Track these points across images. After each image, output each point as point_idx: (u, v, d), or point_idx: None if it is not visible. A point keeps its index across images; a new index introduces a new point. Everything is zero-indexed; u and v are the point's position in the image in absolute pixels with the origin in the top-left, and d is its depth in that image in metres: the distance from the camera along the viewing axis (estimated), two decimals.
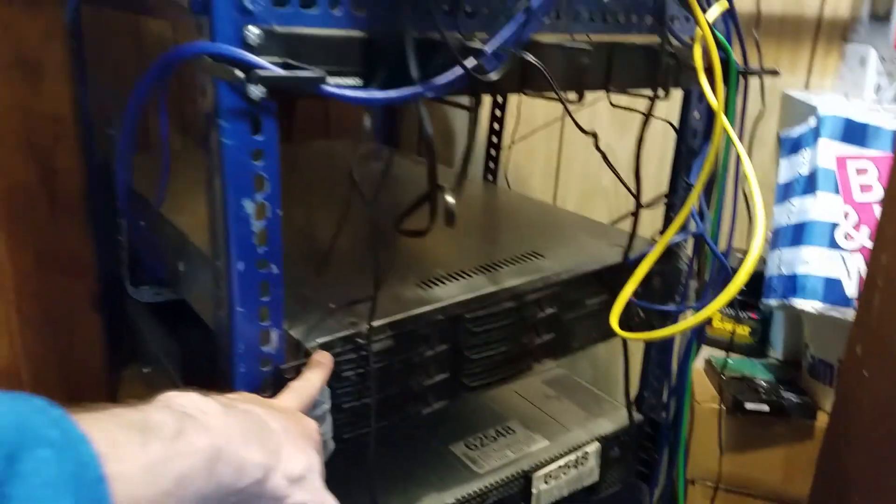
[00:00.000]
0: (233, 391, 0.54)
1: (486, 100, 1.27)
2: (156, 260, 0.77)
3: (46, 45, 0.80)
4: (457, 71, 0.50)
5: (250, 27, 0.46)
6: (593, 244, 0.82)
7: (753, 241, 0.55)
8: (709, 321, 1.26)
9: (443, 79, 0.50)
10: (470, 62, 0.51)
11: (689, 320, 0.56)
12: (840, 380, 0.78)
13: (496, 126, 1.18)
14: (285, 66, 0.47)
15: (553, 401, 0.93)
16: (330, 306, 0.62)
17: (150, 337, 1.00)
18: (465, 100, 0.56)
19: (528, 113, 1.25)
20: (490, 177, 1.23)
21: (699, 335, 0.83)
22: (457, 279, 0.70)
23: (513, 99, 1.19)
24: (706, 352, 1.25)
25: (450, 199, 0.52)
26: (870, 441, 0.73)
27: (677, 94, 0.77)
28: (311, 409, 0.55)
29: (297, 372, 0.56)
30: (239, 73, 0.43)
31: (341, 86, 0.49)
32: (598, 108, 0.96)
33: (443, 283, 0.69)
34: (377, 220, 0.55)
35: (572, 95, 0.63)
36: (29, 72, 0.80)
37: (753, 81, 0.74)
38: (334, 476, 0.52)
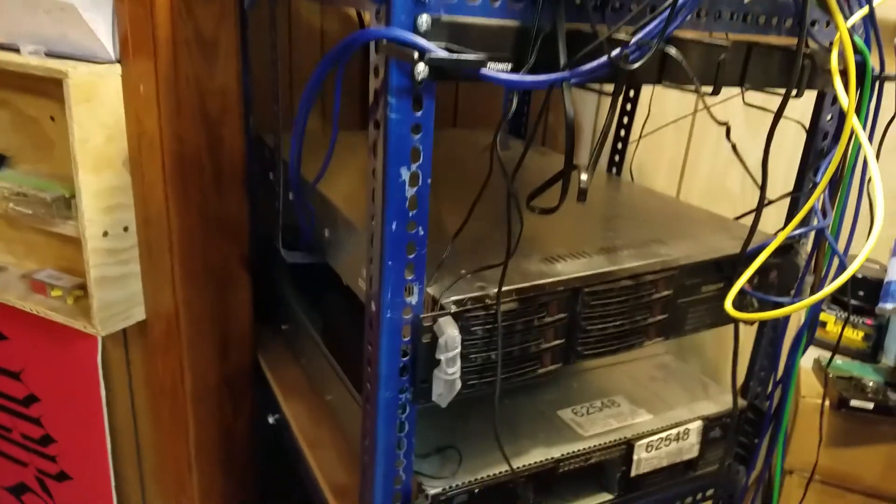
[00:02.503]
0: (378, 333, 0.62)
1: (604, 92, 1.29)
2: (304, 226, 0.86)
3: (221, 25, 0.90)
4: (602, 60, 0.55)
5: (423, 16, 0.53)
6: (714, 236, 0.85)
7: (869, 236, 0.57)
8: (822, 323, 1.25)
9: (588, 66, 0.55)
10: (615, 53, 0.55)
11: (798, 304, 0.59)
12: None
13: (625, 120, 1.21)
14: (449, 51, 0.54)
15: (659, 382, 0.97)
16: (462, 271, 0.68)
17: (291, 297, 1.11)
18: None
19: (657, 110, 1.26)
20: (614, 170, 1.26)
21: (810, 329, 0.84)
22: (579, 258, 0.75)
23: (643, 94, 1.21)
24: (817, 353, 1.24)
25: (584, 176, 0.57)
26: None
27: (809, 97, 0.79)
28: (443, 351, 0.62)
29: (433, 321, 0.63)
30: (416, 55, 0.49)
31: (494, 70, 0.55)
32: (731, 110, 0.97)
33: (565, 260, 0.74)
34: (515, 193, 0.61)
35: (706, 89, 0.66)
36: (205, 48, 0.89)
37: (889, 88, 0.74)
38: (459, 415, 0.59)
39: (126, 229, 0.97)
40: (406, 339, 0.63)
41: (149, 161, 0.92)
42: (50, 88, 0.90)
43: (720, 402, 0.93)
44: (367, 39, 0.53)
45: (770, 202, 0.83)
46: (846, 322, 1.23)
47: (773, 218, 0.89)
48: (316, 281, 1.05)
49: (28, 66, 0.86)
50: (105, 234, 0.94)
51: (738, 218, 0.95)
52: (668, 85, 0.66)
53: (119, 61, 0.89)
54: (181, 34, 0.86)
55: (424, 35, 0.53)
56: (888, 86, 0.73)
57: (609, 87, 0.65)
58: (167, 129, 0.89)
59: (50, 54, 0.90)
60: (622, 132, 1.21)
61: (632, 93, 1.19)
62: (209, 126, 0.94)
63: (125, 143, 0.92)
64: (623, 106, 1.20)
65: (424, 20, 0.53)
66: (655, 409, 0.89)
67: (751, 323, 0.73)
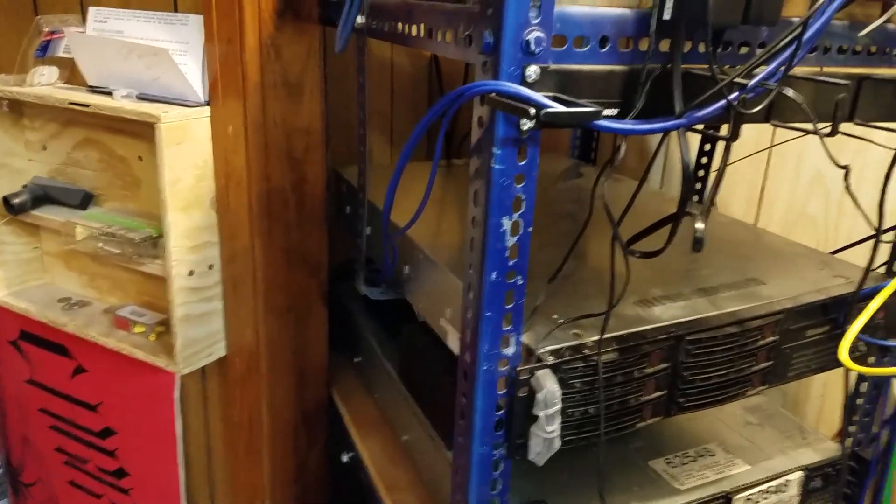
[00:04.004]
0: (473, 385, 0.60)
1: None
2: (386, 264, 0.86)
3: (306, 67, 0.91)
4: (720, 104, 0.52)
5: (531, 66, 0.51)
6: (814, 273, 0.81)
7: None
8: None
9: (706, 111, 0.53)
10: (734, 96, 0.53)
11: None
12: None
13: (707, 147, 1.17)
14: (556, 99, 0.52)
15: (753, 427, 0.92)
16: (557, 318, 0.66)
17: (365, 329, 1.10)
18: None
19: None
20: (697, 199, 1.22)
21: None
22: (675, 300, 0.72)
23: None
24: None
25: (699, 225, 0.54)
26: None
27: None
28: (542, 408, 0.60)
29: (530, 374, 0.61)
30: (529, 110, 0.48)
31: (610, 118, 0.53)
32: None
33: (661, 303, 0.71)
34: (621, 241, 0.58)
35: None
36: (292, 89, 0.90)
37: None
38: (548, 465, 0.56)
39: (211, 267, 0.98)
40: (501, 393, 0.61)
41: (236, 200, 0.93)
42: (139, 129, 0.92)
43: (819, 449, 0.88)
44: (478, 93, 0.52)
45: (880, 238, 0.79)
46: None
47: (860, 251, 0.84)
48: (390, 313, 1.04)
49: (122, 110, 0.88)
50: (191, 272, 0.95)
51: (835, 252, 0.90)
52: (776, 124, 0.63)
53: (208, 103, 0.90)
54: (269, 76, 0.87)
55: (532, 85, 0.51)
56: None
57: None
58: (254, 169, 0.90)
59: (141, 97, 0.92)
60: (704, 159, 1.17)
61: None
62: (294, 164, 0.94)
63: (213, 182, 0.93)
64: (703, 138, 1.17)
65: (533, 71, 0.51)
66: (752, 459, 0.85)
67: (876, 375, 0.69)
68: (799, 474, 0.83)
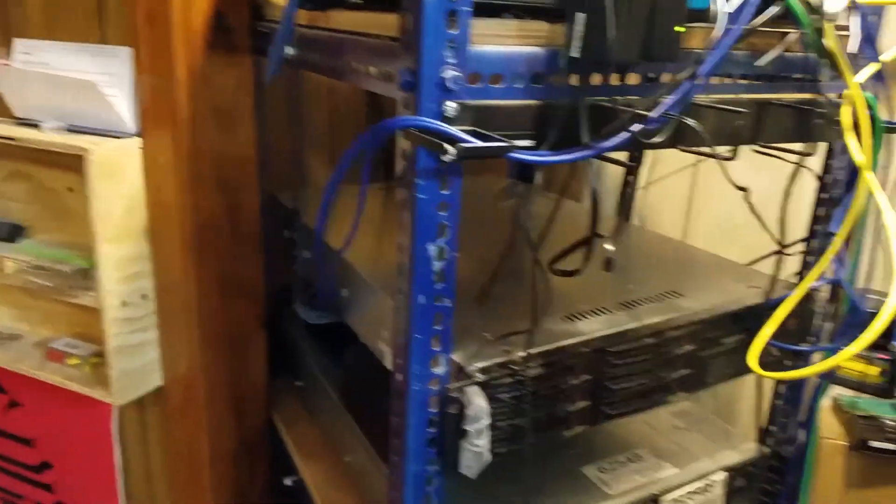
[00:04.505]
0: (405, 405, 0.62)
1: None
2: (321, 286, 0.87)
3: (238, 96, 0.92)
4: (624, 135, 0.56)
5: (449, 102, 0.54)
6: (730, 285, 0.86)
7: (891, 293, 0.58)
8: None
9: (611, 142, 0.56)
10: (636, 127, 0.57)
11: (827, 362, 0.60)
12: None
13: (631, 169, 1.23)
14: (474, 133, 0.55)
15: (681, 432, 0.97)
16: (485, 335, 0.69)
17: (306, 353, 1.11)
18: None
19: (663, 153, 1.28)
20: (624, 214, 1.27)
21: (830, 374, 0.85)
22: (599, 314, 0.76)
23: None
24: (835, 390, 1.24)
25: (609, 247, 0.57)
26: None
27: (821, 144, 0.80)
28: (472, 423, 0.62)
29: (460, 391, 0.63)
30: (451, 148, 0.51)
31: (522, 150, 0.56)
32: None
33: (586, 318, 0.75)
34: (539, 260, 0.62)
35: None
36: (223, 119, 0.91)
37: None
38: (483, 478, 0.59)
39: (144, 297, 0.97)
40: (433, 411, 0.64)
41: (168, 230, 0.93)
42: (69, 161, 0.91)
43: (743, 450, 0.93)
44: (398, 128, 0.54)
45: (788, 253, 0.84)
46: (867, 361, 1.24)
47: (785, 260, 0.90)
48: (331, 337, 1.06)
49: (50, 143, 0.88)
50: (124, 303, 0.94)
51: (750, 263, 0.96)
52: (683, 149, 0.67)
53: (139, 134, 0.91)
54: (200, 106, 0.88)
55: (451, 121, 0.54)
56: None
57: None
58: (186, 199, 0.90)
59: (71, 129, 0.92)
60: (630, 177, 1.22)
61: None
62: (227, 192, 0.95)
63: (144, 212, 0.93)
64: (630, 156, 1.22)
65: (451, 107, 0.54)
66: (679, 462, 0.89)
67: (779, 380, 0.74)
68: (722, 475, 0.87)
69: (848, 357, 0.59)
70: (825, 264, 0.73)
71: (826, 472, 1.11)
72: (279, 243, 1.06)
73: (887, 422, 1.15)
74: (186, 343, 1.00)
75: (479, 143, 0.52)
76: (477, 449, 0.63)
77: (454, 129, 0.52)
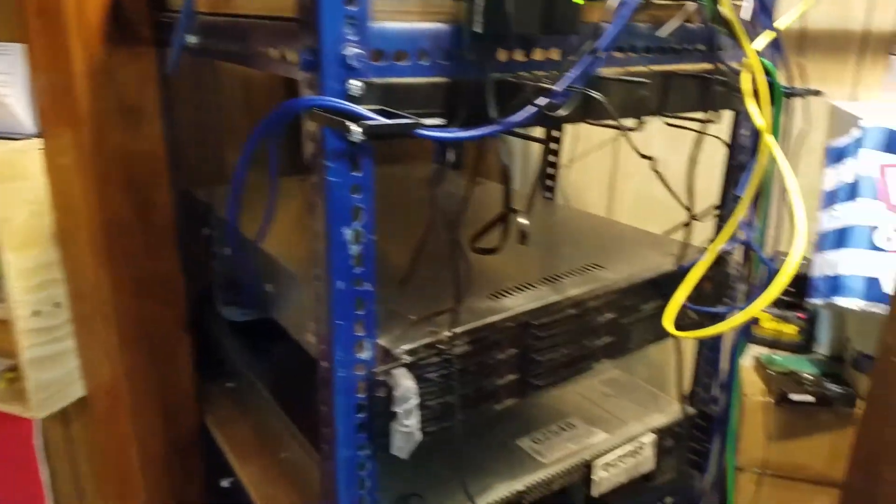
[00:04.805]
0: (332, 392, 0.62)
1: None
2: (243, 282, 0.86)
3: (143, 90, 0.89)
4: (530, 110, 0.57)
5: (353, 81, 0.53)
6: (648, 254, 0.88)
7: (793, 249, 0.60)
8: (756, 321, 1.31)
9: (518, 117, 0.57)
10: (542, 101, 0.57)
11: (734, 318, 0.63)
12: (874, 367, 0.83)
13: (553, 146, 1.24)
14: (382, 112, 0.54)
15: (611, 399, 0.99)
16: (411, 318, 0.69)
17: (235, 353, 1.09)
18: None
19: (585, 131, 1.30)
20: (548, 194, 1.29)
21: (746, 333, 0.89)
22: (524, 290, 0.76)
23: None
24: (757, 351, 1.30)
25: (523, 220, 0.58)
26: None
27: (728, 112, 0.83)
28: (400, 404, 0.62)
29: (386, 375, 0.63)
30: (350, 124, 0.50)
31: (431, 127, 0.56)
32: (653, 125, 1.02)
33: (511, 294, 0.76)
34: (458, 239, 0.62)
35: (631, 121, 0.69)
36: (129, 115, 0.88)
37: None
38: (421, 460, 0.59)
39: (58, 305, 0.93)
40: (361, 396, 0.63)
41: (77, 234, 0.89)
42: None
43: (670, 412, 0.96)
44: (301, 109, 0.53)
45: (698, 218, 0.87)
46: (784, 320, 1.29)
47: (702, 227, 0.93)
48: (260, 334, 1.04)
49: None
50: (35, 313, 0.90)
51: (667, 233, 0.99)
52: (591, 123, 0.69)
53: (40, 135, 0.87)
54: (103, 103, 0.84)
55: (357, 100, 0.54)
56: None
57: None
58: (94, 200, 0.87)
59: None
60: (552, 157, 1.24)
61: None
62: (137, 191, 0.92)
63: (51, 217, 0.89)
64: (549, 133, 1.24)
65: (355, 85, 0.53)
66: (610, 427, 0.92)
67: (692, 338, 0.76)
68: (651, 436, 0.90)
69: (752, 315, 0.62)
70: (733, 227, 0.75)
71: (750, 428, 1.16)
72: (200, 241, 1.03)
73: (805, 375, 1.21)
74: (106, 350, 0.96)
75: (384, 121, 0.52)
76: (407, 429, 0.63)
77: (358, 108, 0.52)
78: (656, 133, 1.34)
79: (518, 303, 0.73)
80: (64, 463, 1.09)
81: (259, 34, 0.65)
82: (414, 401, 0.63)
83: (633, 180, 1.44)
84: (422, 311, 0.69)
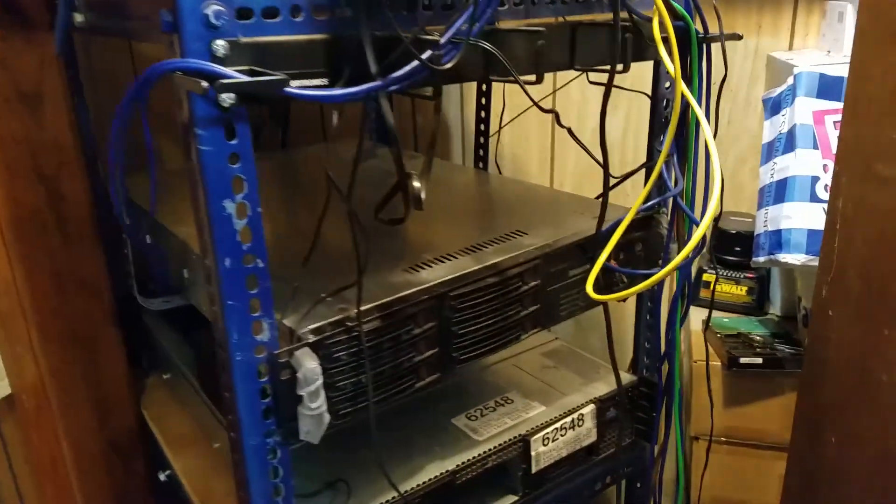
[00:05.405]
0: (231, 377, 0.59)
1: (472, 88, 1.29)
2: (162, 269, 0.82)
3: (43, 76, 0.84)
4: (413, 63, 0.53)
5: (217, 41, 0.50)
6: (575, 218, 0.86)
7: (710, 202, 0.58)
8: (706, 283, 1.29)
9: (400, 72, 0.54)
10: (426, 54, 0.54)
11: (652, 278, 0.60)
12: (811, 322, 0.81)
13: (482, 114, 1.21)
14: (252, 73, 0.51)
15: (550, 370, 0.97)
16: (321, 295, 0.66)
17: (166, 344, 1.05)
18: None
19: (520, 99, 1.27)
20: (481, 164, 1.26)
21: (684, 294, 0.86)
22: (443, 262, 0.73)
23: (498, 86, 1.21)
24: (705, 314, 1.28)
25: (416, 184, 0.55)
26: (838, 377, 0.76)
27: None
28: (304, 386, 0.59)
29: (289, 356, 0.60)
30: (204, 84, 0.46)
31: (304, 87, 0.53)
32: (586, 85, 0.99)
33: (430, 266, 0.73)
34: (355, 211, 0.59)
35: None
36: (29, 103, 0.84)
37: (735, 47, 0.76)
38: (340, 447, 0.56)
39: None
40: (264, 380, 0.60)
41: None
42: None
43: (612, 381, 0.93)
44: (159, 74, 0.50)
45: (622, 177, 0.84)
46: (735, 282, 1.28)
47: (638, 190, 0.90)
48: (191, 322, 1.00)
49: None
50: None
51: (598, 197, 0.96)
52: (496, 79, 0.65)
53: None
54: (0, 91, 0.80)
55: (224, 61, 0.50)
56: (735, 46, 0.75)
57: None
58: (1, 194, 0.83)
59: None
60: (482, 126, 1.21)
61: (484, 86, 1.19)
62: (46, 183, 0.87)
63: None
64: (478, 100, 1.20)
65: (221, 46, 0.50)
66: (549, 400, 0.89)
67: (621, 300, 0.73)
68: (591, 407, 0.88)
69: (666, 273, 0.59)
70: (652, 182, 0.72)
71: (702, 394, 1.14)
72: (124, 231, 1.00)
73: (755, 338, 1.19)
74: (27, 347, 0.92)
75: (247, 79, 0.48)
76: (314, 412, 0.60)
77: (219, 67, 0.48)
78: (591, 96, 1.33)
79: (436, 275, 0.70)
80: (2, 462, 1.05)
81: (134, 3, 0.61)
82: (319, 381, 0.60)
83: (573, 149, 1.41)
84: (329, 287, 0.66)
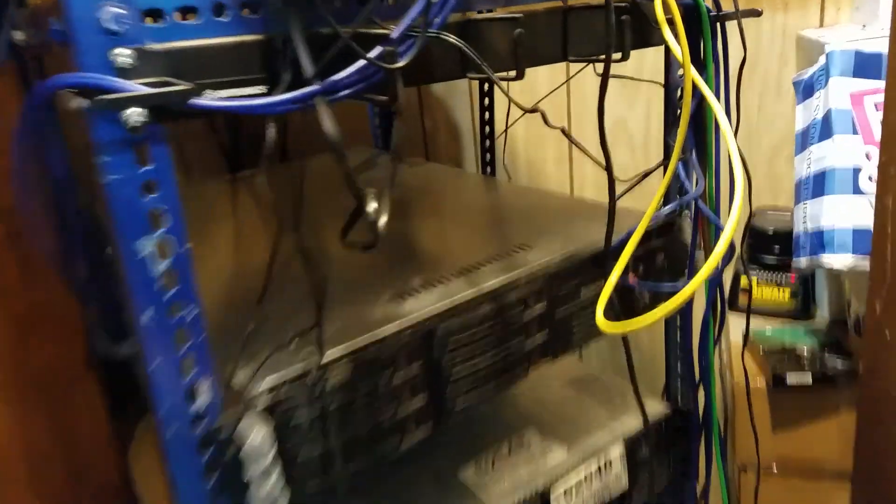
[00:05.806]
0: (166, 457, 0.49)
1: (474, 88, 1.20)
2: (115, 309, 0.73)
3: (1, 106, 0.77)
4: (359, 63, 0.44)
5: (118, 50, 0.41)
6: (589, 228, 0.74)
7: (735, 203, 0.47)
8: (744, 290, 1.17)
9: (343, 73, 0.44)
10: (375, 51, 0.44)
11: (667, 308, 0.48)
12: (865, 341, 0.68)
13: (486, 115, 1.12)
14: (165, 85, 0.42)
15: (572, 403, 0.86)
16: (284, 342, 0.56)
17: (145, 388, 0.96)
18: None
19: (531, 96, 1.17)
20: (488, 169, 1.16)
21: (715, 311, 0.75)
22: (433, 287, 0.63)
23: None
24: (751, 324, 1.15)
25: (372, 206, 0.45)
26: None
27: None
28: (252, 464, 0.49)
29: (235, 427, 0.50)
30: (82, 100, 0.38)
31: (228, 97, 0.43)
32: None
33: (417, 293, 0.63)
34: (303, 242, 0.49)
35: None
36: None
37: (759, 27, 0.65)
38: None
39: None
40: (207, 456, 0.50)
41: None
42: None
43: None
44: (44, 94, 0.41)
45: (636, 180, 0.74)
46: (777, 284, 1.15)
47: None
48: None
49: None
50: None
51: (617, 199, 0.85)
52: (473, 77, 0.56)
53: None
54: None
55: (130, 73, 0.41)
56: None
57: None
58: None
59: None
60: (486, 128, 1.11)
61: (486, 85, 1.09)
62: (2, 217, 0.80)
63: None
64: (481, 101, 1.11)
65: (123, 54, 0.41)
66: (571, 439, 0.78)
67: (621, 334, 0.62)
68: (619, 449, 0.76)
69: (692, 291, 0.48)
70: (666, 184, 0.62)
71: (744, 418, 1.01)
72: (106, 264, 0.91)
73: (802, 351, 1.06)
74: None
75: (149, 90, 0.39)
76: (268, 494, 0.50)
77: (113, 80, 0.39)
78: (612, 91, 1.22)
79: (423, 304, 0.60)
80: None
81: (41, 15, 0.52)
82: (270, 457, 0.50)
83: (590, 145, 1.30)
84: (300, 329, 0.56)
